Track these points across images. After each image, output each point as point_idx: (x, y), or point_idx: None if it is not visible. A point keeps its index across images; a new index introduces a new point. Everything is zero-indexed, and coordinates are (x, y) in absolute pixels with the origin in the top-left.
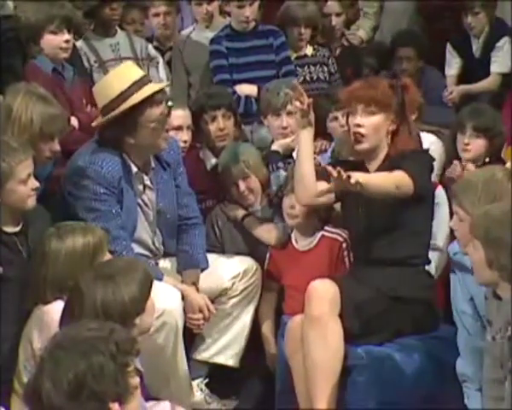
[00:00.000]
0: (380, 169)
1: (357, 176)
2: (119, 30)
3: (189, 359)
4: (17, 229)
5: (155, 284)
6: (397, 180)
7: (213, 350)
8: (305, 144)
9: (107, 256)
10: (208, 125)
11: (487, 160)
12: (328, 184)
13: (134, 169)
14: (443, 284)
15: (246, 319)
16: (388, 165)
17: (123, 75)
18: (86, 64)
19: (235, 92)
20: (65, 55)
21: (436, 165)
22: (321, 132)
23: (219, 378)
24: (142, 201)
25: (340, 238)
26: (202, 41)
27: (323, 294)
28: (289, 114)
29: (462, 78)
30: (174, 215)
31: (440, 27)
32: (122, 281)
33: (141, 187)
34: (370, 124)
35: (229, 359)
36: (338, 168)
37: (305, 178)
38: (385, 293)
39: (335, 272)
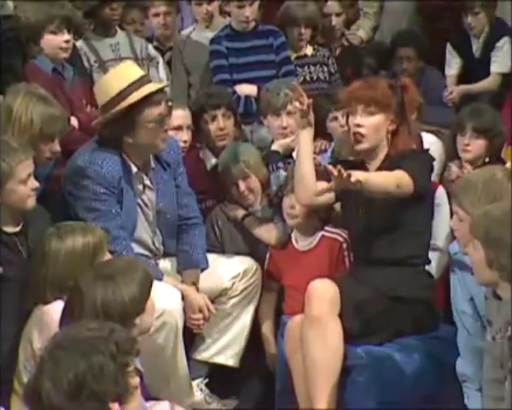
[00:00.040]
0: (380, 169)
1: (357, 174)
2: (119, 30)
3: (189, 359)
4: (17, 229)
5: (155, 283)
6: (397, 179)
7: (213, 350)
8: (304, 144)
9: (107, 256)
10: (208, 125)
11: (487, 160)
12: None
13: (134, 169)
14: (443, 284)
15: (246, 319)
16: (388, 165)
17: (122, 74)
18: (86, 64)
19: (235, 92)
20: (65, 55)
21: (436, 165)
22: (321, 132)
23: (219, 378)
24: (142, 201)
25: (340, 238)
26: (202, 41)
27: (323, 294)
28: (289, 114)
29: (462, 78)
30: (174, 215)
31: (440, 27)
32: (122, 281)
33: (141, 187)
34: (370, 124)
35: (229, 359)
36: (338, 166)
37: (305, 178)
38: (385, 293)
39: (335, 272)
